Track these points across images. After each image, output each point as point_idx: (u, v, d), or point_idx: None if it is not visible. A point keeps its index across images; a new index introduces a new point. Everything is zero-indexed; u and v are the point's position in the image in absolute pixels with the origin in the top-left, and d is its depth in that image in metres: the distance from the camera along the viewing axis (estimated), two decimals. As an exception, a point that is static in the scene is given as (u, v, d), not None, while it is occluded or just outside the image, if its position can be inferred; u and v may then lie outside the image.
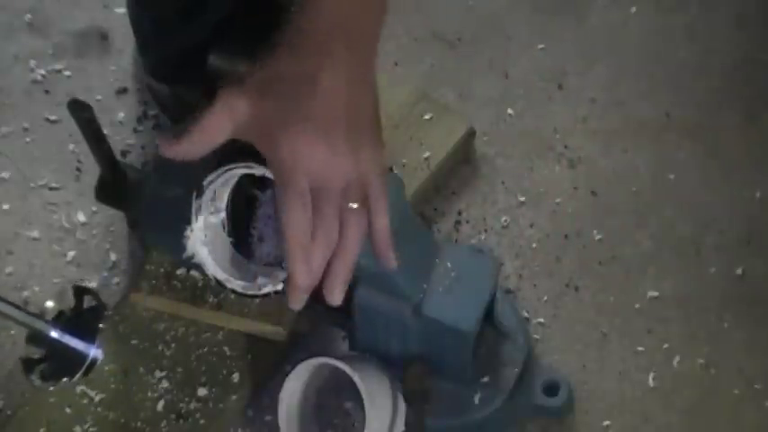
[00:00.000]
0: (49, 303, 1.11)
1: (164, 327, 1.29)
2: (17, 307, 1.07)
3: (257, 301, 1.23)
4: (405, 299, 1.15)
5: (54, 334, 1.06)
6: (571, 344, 1.32)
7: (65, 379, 1.08)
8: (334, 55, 0.95)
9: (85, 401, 1.25)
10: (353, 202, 0.97)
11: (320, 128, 0.95)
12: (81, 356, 1.07)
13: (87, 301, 1.09)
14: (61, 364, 1.07)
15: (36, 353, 1.08)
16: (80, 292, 1.09)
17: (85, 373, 1.08)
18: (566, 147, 1.45)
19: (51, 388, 1.16)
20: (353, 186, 0.97)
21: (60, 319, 1.07)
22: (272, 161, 0.97)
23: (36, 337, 1.07)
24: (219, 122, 0.97)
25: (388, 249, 1.01)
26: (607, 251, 1.38)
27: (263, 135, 0.96)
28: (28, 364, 1.08)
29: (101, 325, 1.09)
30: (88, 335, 1.08)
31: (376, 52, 0.99)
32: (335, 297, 1.00)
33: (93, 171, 1.17)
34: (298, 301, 0.99)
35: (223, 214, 1.11)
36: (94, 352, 1.08)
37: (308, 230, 0.96)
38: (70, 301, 1.09)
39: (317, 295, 1.19)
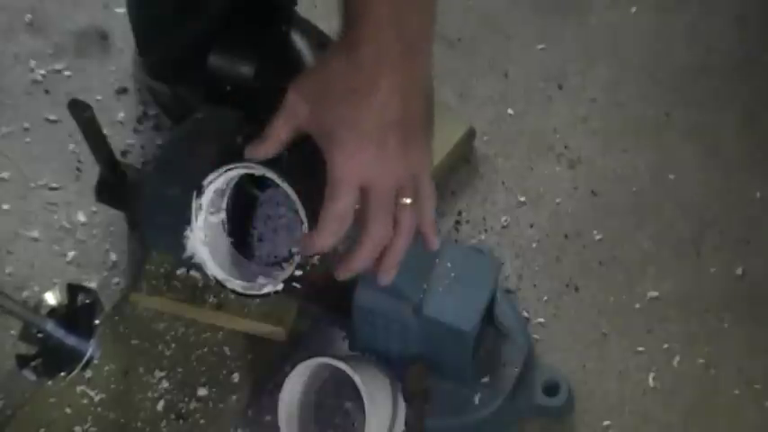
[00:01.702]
0: (48, 295, 1.10)
1: (164, 327, 1.29)
2: (14, 301, 1.07)
3: (257, 301, 1.23)
4: (405, 299, 1.15)
5: (49, 329, 1.06)
6: (571, 344, 1.32)
7: (61, 374, 1.08)
8: (389, 63, 0.99)
9: (85, 401, 1.25)
10: (406, 198, 1.02)
11: (374, 137, 0.99)
12: (77, 352, 1.07)
13: (81, 299, 1.09)
14: (56, 359, 1.07)
15: (30, 349, 1.08)
16: (73, 289, 1.09)
17: (82, 369, 1.08)
18: (566, 147, 1.45)
19: (50, 382, 1.16)
20: (405, 185, 1.02)
21: (53, 315, 1.07)
22: (328, 166, 1.01)
23: (29, 335, 1.07)
24: (284, 127, 1.03)
25: (434, 239, 1.08)
26: (607, 251, 1.38)
27: (321, 135, 1.01)
28: (22, 361, 1.08)
29: (97, 321, 1.09)
30: (84, 331, 1.08)
31: (431, 52, 1.03)
32: (386, 279, 1.07)
33: (93, 171, 1.17)
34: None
35: (223, 214, 1.11)
36: (91, 348, 1.08)
37: (332, 241, 1.02)
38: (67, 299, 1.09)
39: (318, 296, 1.19)
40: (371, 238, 1.02)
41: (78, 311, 1.09)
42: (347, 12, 1.00)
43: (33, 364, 1.07)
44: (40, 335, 1.08)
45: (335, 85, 1.00)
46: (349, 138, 0.99)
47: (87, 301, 1.09)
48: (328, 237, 1.01)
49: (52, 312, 1.08)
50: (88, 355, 1.08)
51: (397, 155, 1.00)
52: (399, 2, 0.99)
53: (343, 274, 1.05)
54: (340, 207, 1.00)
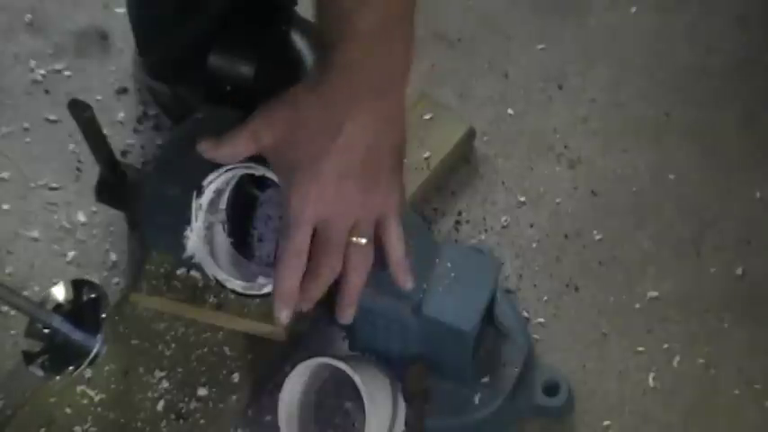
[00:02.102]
0: (54, 290, 1.10)
1: (164, 327, 1.29)
2: (21, 296, 1.07)
3: (257, 301, 1.23)
4: (405, 299, 1.15)
5: (56, 324, 1.06)
6: (571, 344, 1.32)
7: (69, 368, 1.08)
8: (359, 105, 0.99)
9: (85, 401, 1.25)
10: (360, 238, 1.03)
11: (334, 175, 1.00)
12: (84, 347, 1.07)
13: (87, 294, 1.09)
14: (63, 355, 1.07)
15: (36, 346, 1.08)
16: (79, 284, 1.09)
17: (90, 364, 1.08)
18: (566, 147, 1.45)
19: (57, 377, 1.16)
20: (361, 224, 1.03)
21: (59, 311, 1.07)
22: (284, 198, 1.02)
23: (35, 330, 1.07)
24: (244, 146, 1.04)
25: (406, 277, 1.09)
26: (607, 251, 1.38)
27: (281, 169, 1.02)
28: (28, 357, 1.08)
29: (103, 315, 1.09)
30: (91, 326, 1.08)
31: (404, 92, 1.04)
32: (346, 318, 1.08)
33: (93, 171, 1.17)
34: (282, 324, 1.07)
35: (223, 214, 1.11)
36: (99, 342, 1.08)
37: (295, 278, 1.03)
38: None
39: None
40: (315, 272, 1.03)
41: (84, 306, 1.09)
42: (322, 43, 1.00)
43: (40, 360, 1.07)
44: (46, 330, 1.08)
45: (302, 120, 1.00)
46: (306, 179, 1.00)
47: (93, 296, 1.09)
48: (291, 274, 1.02)
49: (58, 308, 1.08)
50: (96, 349, 1.08)
51: (354, 198, 1.01)
52: (376, 38, 0.98)
53: (277, 311, 1.05)
54: (295, 244, 1.01)
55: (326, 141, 0.99)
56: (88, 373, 1.24)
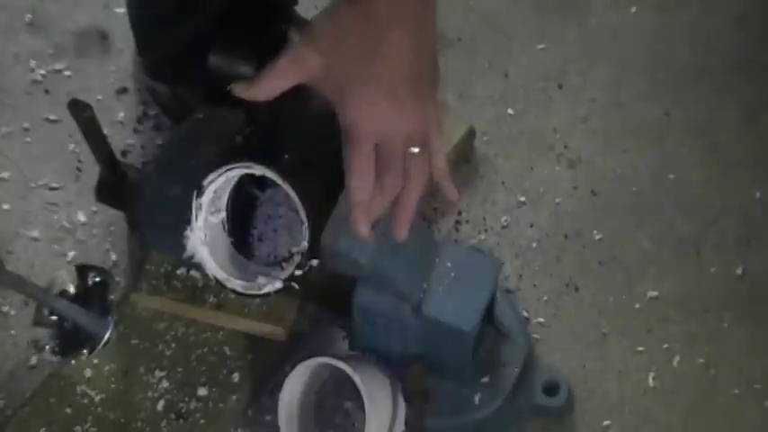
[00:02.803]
0: (59, 274, 1.10)
1: (164, 327, 1.29)
2: (28, 282, 1.07)
3: (257, 301, 1.23)
4: (405, 299, 1.15)
5: (63, 308, 1.06)
6: (571, 344, 1.32)
7: (83, 351, 1.07)
8: (402, 15, 0.99)
9: (85, 401, 1.25)
10: (415, 147, 1.02)
11: (386, 87, 0.99)
12: (95, 330, 1.07)
13: (92, 278, 1.09)
14: (74, 339, 1.07)
15: (44, 334, 1.07)
16: (83, 269, 1.09)
17: (105, 345, 1.08)
18: (566, 147, 1.45)
19: (72, 362, 1.16)
20: (415, 134, 1.02)
21: (66, 297, 1.07)
22: (341, 118, 1.01)
23: (43, 317, 1.07)
24: (289, 72, 1.02)
25: (451, 185, 1.07)
26: (607, 251, 1.38)
27: (332, 90, 1.01)
28: (38, 345, 1.07)
29: (111, 297, 1.08)
30: (99, 309, 1.07)
31: (437, 2, 1.03)
32: (402, 232, 1.06)
33: (93, 171, 1.17)
34: (365, 239, 1.04)
35: (223, 214, 1.11)
36: (110, 324, 1.07)
37: (369, 189, 1.01)
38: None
39: (318, 296, 1.19)
40: (384, 188, 1.02)
41: (91, 290, 1.08)
42: None
43: (51, 345, 1.07)
44: (53, 317, 1.07)
45: (348, 37, 0.99)
46: (362, 91, 0.99)
47: (98, 280, 1.09)
48: (364, 184, 1.01)
49: (64, 293, 1.07)
50: (109, 332, 1.07)
51: (408, 108, 1.00)
52: None
53: (360, 227, 1.03)
54: (363, 152, 1.00)
55: (373, 52, 0.98)
56: (88, 372, 1.24)
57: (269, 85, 1.02)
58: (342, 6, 1.00)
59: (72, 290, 1.08)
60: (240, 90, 1.03)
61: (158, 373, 1.26)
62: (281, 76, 1.02)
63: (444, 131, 1.06)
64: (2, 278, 1.06)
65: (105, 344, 1.07)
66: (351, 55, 0.99)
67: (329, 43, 1.00)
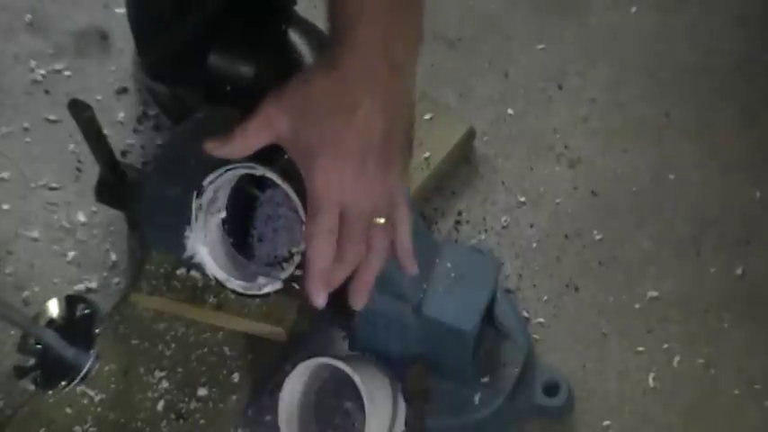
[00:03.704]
0: (49, 305, 1.10)
1: (164, 327, 1.29)
2: (15, 310, 1.07)
3: (257, 301, 1.23)
4: (405, 299, 1.15)
5: (49, 339, 1.06)
6: (571, 344, 1.32)
7: (62, 384, 1.08)
8: (374, 83, 0.99)
9: (85, 401, 1.25)
10: (381, 218, 1.02)
11: (353, 157, 0.99)
12: (77, 363, 1.07)
13: (81, 310, 1.09)
14: (55, 370, 1.07)
15: (28, 361, 1.08)
16: (72, 300, 1.10)
17: (82, 380, 1.08)
18: (566, 147, 1.45)
19: (50, 392, 1.17)
20: (380, 205, 1.02)
21: (52, 326, 1.07)
22: (307, 184, 1.00)
23: (27, 345, 1.07)
24: (258, 134, 1.02)
25: (412, 262, 1.07)
26: (607, 251, 1.38)
27: (300, 154, 1.00)
28: (20, 372, 1.08)
29: (97, 331, 1.09)
30: (83, 341, 1.08)
31: (415, 72, 1.03)
32: (359, 303, 1.06)
33: (93, 171, 1.17)
34: (318, 307, 1.04)
35: (223, 214, 1.11)
36: (91, 359, 1.08)
37: (330, 258, 1.01)
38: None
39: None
40: (345, 258, 1.01)
41: (77, 322, 1.09)
42: (334, 27, 0.99)
43: (32, 375, 1.07)
44: (38, 346, 1.08)
45: (318, 101, 0.99)
46: (329, 156, 0.98)
47: (86, 312, 1.09)
48: (323, 256, 1.00)
49: (51, 323, 1.08)
50: (88, 365, 1.08)
51: (375, 177, 1.00)
52: (387, 21, 0.98)
53: (317, 297, 1.03)
54: (326, 220, 1.00)
55: (344, 121, 0.98)
56: (88, 373, 1.25)
57: (240, 145, 1.02)
58: (315, 72, 1.00)
59: (59, 320, 1.08)
60: (212, 148, 1.03)
61: (158, 373, 1.26)
62: (251, 137, 1.02)
63: (407, 201, 1.05)
64: None
65: (83, 377, 1.08)
66: (320, 121, 0.99)
67: (299, 108, 1.00)
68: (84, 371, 1.08)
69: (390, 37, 0.99)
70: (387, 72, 0.99)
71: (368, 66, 0.98)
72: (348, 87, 0.98)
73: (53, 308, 1.09)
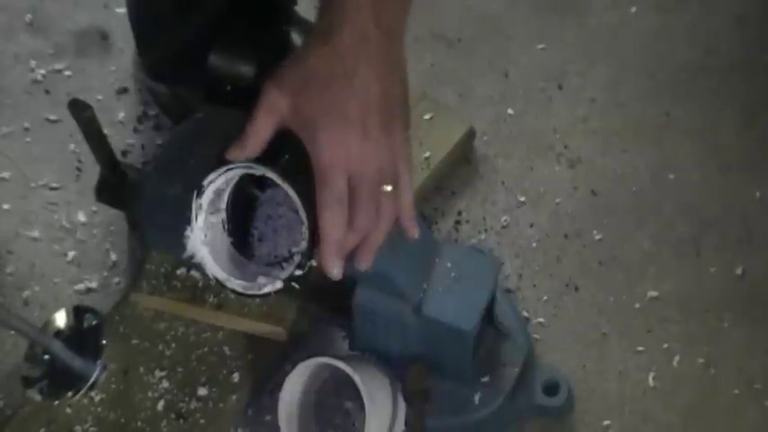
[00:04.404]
0: (56, 316, 1.11)
1: (164, 327, 1.29)
2: (23, 321, 1.07)
3: (257, 301, 1.23)
4: (405, 299, 1.15)
5: (56, 350, 1.07)
6: (571, 344, 1.32)
7: (68, 394, 1.08)
8: (368, 49, 0.99)
9: (85, 401, 1.25)
10: (387, 184, 1.02)
11: (356, 124, 0.99)
12: (84, 373, 1.08)
13: (88, 321, 1.10)
14: (62, 380, 1.08)
15: (35, 371, 1.08)
16: (80, 311, 1.10)
17: (89, 390, 1.08)
18: (566, 147, 1.45)
19: (56, 402, 1.17)
20: (386, 170, 1.02)
21: (60, 337, 1.08)
22: (312, 156, 1.01)
23: (35, 356, 1.08)
24: (266, 122, 1.02)
25: (413, 223, 1.07)
26: (607, 251, 1.38)
27: (303, 129, 1.01)
28: (27, 381, 1.08)
29: (103, 342, 1.09)
30: (90, 352, 1.08)
31: (404, 33, 1.03)
32: (365, 265, 1.05)
33: (93, 171, 1.18)
34: (335, 277, 1.04)
35: (223, 214, 1.11)
36: (98, 369, 1.08)
37: (343, 227, 1.01)
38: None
39: (318, 296, 1.19)
40: (358, 225, 1.01)
41: (85, 333, 1.09)
42: (323, 2, 1.00)
43: (39, 385, 1.08)
44: (45, 356, 1.08)
45: (315, 73, 0.99)
46: (332, 125, 0.99)
47: (94, 323, 1.10)
48: (337, 224, 1.00)
49: (58, 334, 1.08)
50: (95, 376, 1.08)
51: (379, 141, 1.00)
52: None
53: (333, 265, 1.03)
54: (336, 189, 0.99)
55: (343, 88, 0.99)
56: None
57: (255, 142, 1.02)
58: (308, 46, 1.01)
59: (67, 331, 1.09)
60: (234, 154, 1.03)
61: (158, 373, 1.26)
62: (261, 127, 1.02)
63: (413, 166, 1.05)
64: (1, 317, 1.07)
65: (90, 387, 1.08)
66: (319, 93, 0.99)
67: (298, 84, 1.00)
68: (91, 381, 1.08)
69: (379, 1, 0.99)
70: (378, 36, 0.99)
71: (361, 31, 0.98)
72: (342, 56, 0.99)
73: (61, 318, 1.10)
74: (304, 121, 1.00)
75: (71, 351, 1.08)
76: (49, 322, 1.10)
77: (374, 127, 0.99)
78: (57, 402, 1.18)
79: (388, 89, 1.00)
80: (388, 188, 1.02)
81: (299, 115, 1.00)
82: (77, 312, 1.10)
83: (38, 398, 1.09)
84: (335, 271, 1.02)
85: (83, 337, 1.09)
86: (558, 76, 1.50)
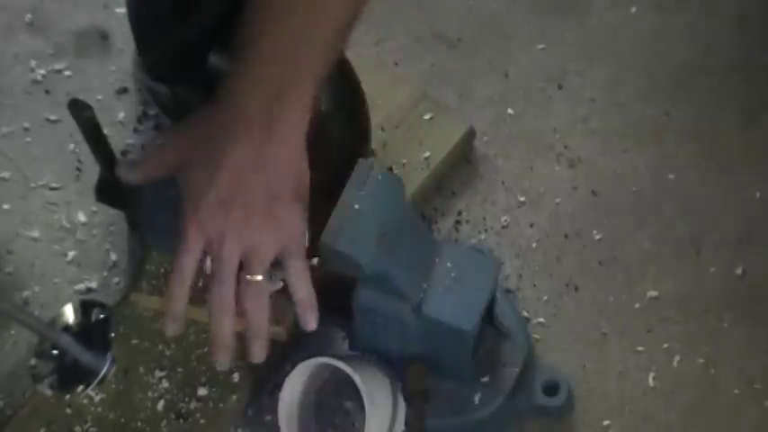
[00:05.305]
0: (64, 310, 1.11)
1: (164, 327, 1.29)
2: (31, 315, 1.08)
3: (257, 300, 1.22)
4: (405, 299, 1.15)
5: (66, 344, 1.07)
6: (571, 344, 1.32)
7: (79, 388, 1.08)
8: (240, 140, 0.99)
9: (85, 401, 1.25)
10: (253, 274, 1.02)
11: (214, 203, 1.00)
12: (93, 367, 1.08)
13: (96, 315, 1.10)
14: (72, 375, 1.08)
15: (45, 366, 1.08)
16: (88, 305, 1.10)
17: (99, 384, 1.09)
18: (566, 147, 1.45)
19: (67, 397, 1.18)
20: (255, 257, 1.01)
21: (68, 332, 1.08)
22: (181, 214, 1.02)
23: (44, 351, 1.08)
24: (152, 167, 1.06)
25: (309, 318, 1.07)
26: (607, 251, 1.38)
27: (183, 184, 1.03)
28: (37, 376, 1.08)
29: (112, 335, 1.10)
30: (100, 346, 1.08)
31: (302, 133, 1.01)
32: (258, 356, 1.07)
33: (93, 171, 1.17)
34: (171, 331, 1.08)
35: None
36: (107, 363, 1.08)
37: (185, 293, 1.04)
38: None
39: (318, 296, 1.19)
40: (211, 302, 1.03)
41: (93, 327, 1.09)
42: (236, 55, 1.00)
43: (49, 379, 1.08)
44: (55, 351, 1.08)
45: (195, 148, 1.01)
46: (192, 204, 1.00)
47: (102, 317, 1.10)
48: (178, 297, 1.03)
49: (67, 329, 1.09)
50: (105, 369, 1.08)
51: (237, 229, 1.00)
52: (267, 71, 0.98)
53: (170, 327, 1.06)
54: (180, 261, 1.01)
55: (214, 163, 0.99)
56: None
57: (142, 174, 1.06)
58: (200, 117, 1.02)
59: (75, 326, 1.09)
60: (120, 173, 1.07)
61: (158, 373, 1.26)
62: (151, 164, 1.05)
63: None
64: (8, 309, 1.07)
65: (101, 381, 1.08)
66: (196, 166, 1.01)
67: (184, 151, 1.02)
68: (102, 374, 1.08)
69: (266, 92, 0.98)
70: (258, 129, 0.99)
71: (236, 120, 0.99)
72: (216, 137, 0.99)
73: (69, 313, 1.10)
74: (182, 186, 1.02)
75: (80, 345, 1.08)
76: (57, 317, 1.10)
77: (236, 216, 0.99)
78: (68, 396, 1.18)
79: (266, 175, 0.99)
80: (257, 278, 1.02)
81: (180, 178, 1.02)
82: (85, 307, 1.10)
83: (48, 392, 1.09)
84: (174, 330, 1.06)
85: (91, 331, 1.09)
86: (558, 76, 1.50)
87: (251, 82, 0.99)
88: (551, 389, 1.25)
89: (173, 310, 1.05)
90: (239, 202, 0.99)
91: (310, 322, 1.06)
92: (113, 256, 1.37)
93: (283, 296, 1.10)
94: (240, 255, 1.01)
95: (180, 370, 1.27)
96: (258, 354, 1.06)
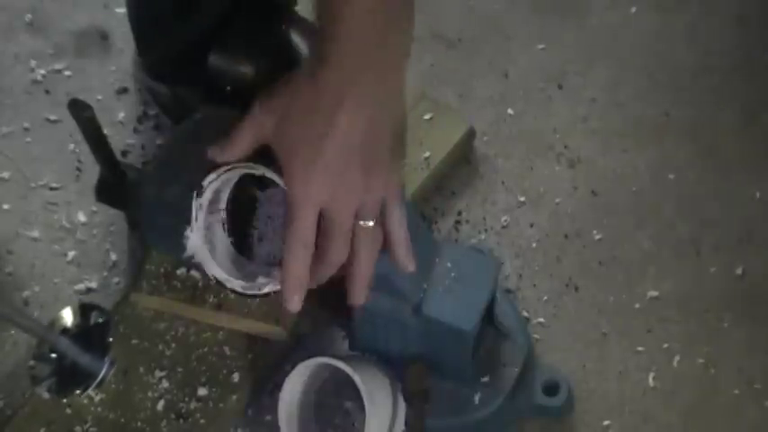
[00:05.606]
0: (63, 314, 1.11)
1: (164, 327, 1.29)
2: (30, 319, 1.08)
3: (257, 301, 1.23)
4: (405, 299, 1.15)
5: (64, 348, 1.07)
6: (571, 344, 1.32)
7: (77, 391, 1.08)
8: (354, 89, 0.98)
9: (85, 401, 1.25)
10: (366, 220, 1.02)
11: (334, 157, 0.99)
12: (92, 371, 1.08)
13: (95, 318, 1.10)
14: (70, 378, 1.08)
15: (44, 369, 1.08)
16: (87, 309, 1.10)
17: (96, 387, 1.09)
18: (566, 147, 1.45)
19: (64, 400, 1.18)
20: (366, 207, 1.02)
21: (66, 335, 1.08)
22: (287, 187, 1.01)
23: (43, 354, 1.08)
24: (249, 138, 1.03)
25: (408, 260, 1.08)
26: (607, 251, 1.38)
27: (282, 153, 1.01)
28: (36, 379, 1.08)
29: (110, 339, 1.10)
30: (98, 349, 1.09)
31: (404, 74, 1.02)
32: (356, 300, 1.07)
33: (93, 171, 1.18)
34: (292, 311, 1.06)
35: (223, 214, 1.11)
36: (106, 366, 1.09)
37: (305, 261, 1.02)
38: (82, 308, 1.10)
39: (318, 296, 1.19)
40: (324, 261, 1.02)
41: (92, 330, 1.09)
42: (320, 21, 1.00)
43: (47, 382, 1.08)
44: (53, 354, 1.09)
45: (299, 103, 0.99)
46: (304, 159, 0.99)
47: (100, 320, 1.10)
48: (298, 260, 1.01)
49: (65, 332, 1.09)
50: (103, 373, 1.09)
51: (356, 180, 1.00)
52: (371, 20, 0.97)
53: (290, 301, 1.04)
54: (300, 229, 1.00)
55: (324, 126, 0.98)
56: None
57: (234, 149, 1.04)
58: (301, 78, 1.01)
59: (73, 328, 1.09)
60: (214, 154, 1.05)
61: (158, 373, 1.26)
62: (242, 138, 1.03)
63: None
64: (7, 313, 1.07)
65: (99, 384, 1.08)
66: (301, 122, 0.99)
67: (282, 108, 1.01)
68: (100, 378, 1.09)
69: (379, 34, 0.98)
70: (369, 76, 0.98)
71: (350, 67, 0.97)
72: (327, 93, 0.98)
73: (67, 316, 1.10)
74: (282, 147, 1.01)
75: (78, 348, 1.08)
76: (55, 320, 1.10)
77: (352, 167, 0.99)
78: (65, 400, 1.18)
79: (374, 128, 0.99)
80: (368, 224, 1.02)
81: (280, 140, 1.01)
82: (83, 310, 1.10)
83: (46, 395, 1.09)
84: (292, 306, 1.03)
85: (90, 334, 1.09)
86: (558, 76, 1.50)
87: (353, 35, 0.97)
88: (551, 389, 1.25)
89: (296, 278, 1.02)
90: (350, 166, 0.99)
91: (409, 265, 1.07)
92: (113, 256, 1.37)
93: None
94: (354, 210, 1.01)
95: (180, 370, 1.27)
96: (361, 299, 1.07)
